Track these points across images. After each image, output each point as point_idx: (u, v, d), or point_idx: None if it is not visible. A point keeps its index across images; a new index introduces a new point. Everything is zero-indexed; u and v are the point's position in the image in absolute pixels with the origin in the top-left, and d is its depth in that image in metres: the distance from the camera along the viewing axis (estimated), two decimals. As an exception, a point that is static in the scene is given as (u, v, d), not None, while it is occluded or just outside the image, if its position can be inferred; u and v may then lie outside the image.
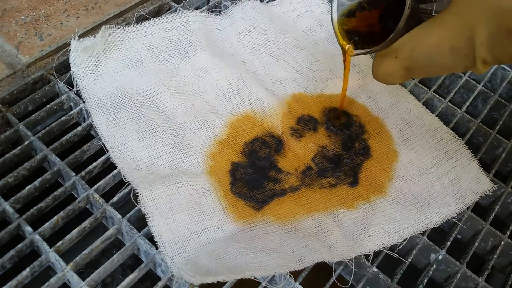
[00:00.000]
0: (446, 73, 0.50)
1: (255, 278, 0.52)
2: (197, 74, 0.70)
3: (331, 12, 0.58)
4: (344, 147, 0.65)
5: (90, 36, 0.68)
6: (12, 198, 0.56)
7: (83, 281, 0.51)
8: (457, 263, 0.58)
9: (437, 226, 0.59)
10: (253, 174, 0.61)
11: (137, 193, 0.56)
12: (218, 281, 0.50)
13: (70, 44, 0.66)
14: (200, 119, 0.65)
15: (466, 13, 0.43)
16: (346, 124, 0.67)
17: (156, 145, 0.61)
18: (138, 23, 0.72)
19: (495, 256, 0.60)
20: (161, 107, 0.65)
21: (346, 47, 0.57)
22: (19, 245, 0.53)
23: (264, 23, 0.75)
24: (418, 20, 0.49)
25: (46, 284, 0.50)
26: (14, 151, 0.60)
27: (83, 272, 0.52)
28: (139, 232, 0.55)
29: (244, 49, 0.74)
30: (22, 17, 0.74)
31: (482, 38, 0.42)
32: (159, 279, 0.53)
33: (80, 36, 0.67)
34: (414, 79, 0.74)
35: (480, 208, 0.64)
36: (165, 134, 0.62)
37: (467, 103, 0.73)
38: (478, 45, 0.42)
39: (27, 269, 0.51)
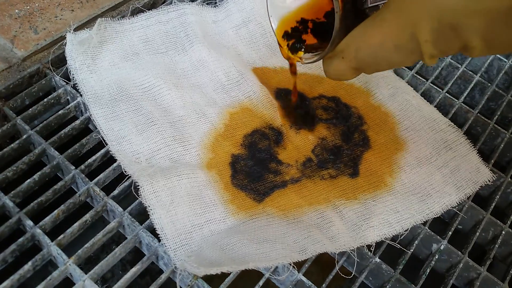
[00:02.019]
0: (396, 67, 0.51)
1: (258, 269, 0.52)
2: (194, 67, 0.69)
3: (270, 22, 0.58)
4: (343, 139, 0.65)
5: (86, 29, 0.67)
6: (12, 192, 0.55)
7: (86, 274, 0.51)
8: (459, 253, 0.58)
9: (438, 216, 0.59)
10: (254, 166, 0.61)
11: (138, 186, 0.56)
12: (221, 273, 0.49)
13: (65, 37, 0.66)
14: (199, 112, 0.64)
15: (406, 10, 0.42)
16: (345, 116, 0.67)
17: (155, 138, 0.61)
18: (133, 16, 0.71)
19: (496, 246, 0.60)
20: (159, 100, 0.65)
21: (296, 60, 0.58)
22: (20, 239, 0.52)
23: (261, 15, 0.75)
24: (357, 18, 0.48)
25: (48, 278, 0.50)
26: (12, 145, 0.59)
27: (82, 268, 0.52)
28: (141, 225, 0.55)
29: (241, 42, 0.74)
30: (16, 10, 0.73)
31: (426, 35, 0.42)
32: (159, 274, 0.52)
33: (76, 30, 0.67)
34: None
35: (480, 199, 0.64)
36: (164, 127, 0.62)
37: (465, 94, 0.73)
38: (423, 42, 0.42)
39: (29, 263, 0.51)
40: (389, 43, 0.44)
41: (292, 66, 0.62)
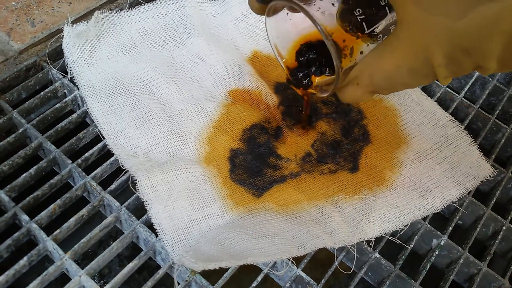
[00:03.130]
0: (413, 87, 0.50)
1: (257, 264, 0.52)
2: (193, 61, 0.69)
3: (276, 55, 0.57)
4: (343, 133, 0.64)
5: (83, 22, 0.66)
6: (8, 186, 0.54)
7: (82, 269, 0.50)
8: (460, 248, 0.58)
9: (438, 211, 0.59)
10: (252, 160, 0.60)
11: (135, 180, 0.55)
12: (220, 268, 0.49)
13: (63, 30, 0.65)
14: (197, 106, 0.64)
15: (417, 37, 0.42)
16: (345, 110, 0.66)
17: (153, 132, 0.60)
18: (131, 9, 0.70)
19: (497, 242, 0.60)
20: (157, 93, 0.64)
21: (310, 92, 0.57)
22: (16, 234, 0.51)
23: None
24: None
25: (44, 273, 0.49)
26: (8, 139, 0.58)
27: (79, 263, 0.51)
28: (138, 220, 0.54)
29: (240, 35, 0.73)
30: (13, 3, 0.72)
31: (440, 59, 0.41)
32: (157, 269, 0.52)
33: (73, 22, 0.66)
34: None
35: (480, 194, 0.64)
36: (162, 121, 0.61)
37: (466, 89, 0.72)
38: (437, 66, 0.42)
39: (25, 258, 0.50)
40: (403, 68, 0.44)
41: (305, 101, 0.62)
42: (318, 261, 0.55)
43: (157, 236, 0.53)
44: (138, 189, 0.55)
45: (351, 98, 0.50)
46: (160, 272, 0.51)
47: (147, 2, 0.72)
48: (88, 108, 0.61)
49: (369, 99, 0.51)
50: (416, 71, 0.43)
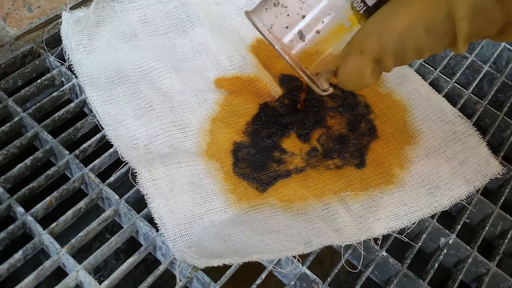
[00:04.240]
0: (424, 57, 0.42)
1: (261, 261, 0.50)
2: (195, 50, 0.67)
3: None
4: (349, 128, 0.62)
5: (82, 8, 0.64)
6: (2, 177, 0.52)
7: (80, 264, 0.48)
8: (468, 247, 0.57)
9: (446, 209, 0.57)
10: (256, 154, 0.58)
11: (136, 173, 0.53)
12: (223, 264, 0.47)
13: (61, 16, 0.63)
14: (199, 97, 0.62)
15: None
16: (351, 104, 0.64)
17: (154, 124, 0.58)
18: (132, -5, 0.68)
19: (506, 241, 0.58)
20: (158, 84, 0.62)
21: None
22: (11, 227, 0.50)
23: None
24: None
25: (40, 268, 0.47)
26: (3, 128, 0.56)
27: (75, 257, 0.49)
28: (138, 214, 0.52)
29: (244, 25, 0.71)
30: (9, -12, 0.70)
31: (464, 11, 0.37)
32: (154, 264, 0.50)
33: (72, 8, 0.64)
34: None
35: (488, 192, 0.63)
36: (164, 112, 0.59)
37: (474, 84, 0.71)
38: (459, 20, 0.37)
39: (20, 252, 0.48)
40: (419, 26, 0.39)
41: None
42: (317, 259, 0.54)
43: (157, 230, 0.51)
44: (138, 182, 0.53)
45: (352, 72, 0.44)
46: (161, 268, 0.50)
47: (148, -11, 0.70)
48: (86, 97, 0.59)
49: (372, 79, 0.44)
50: (434, 29, 0.39)
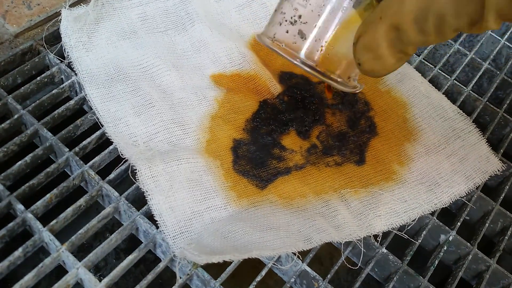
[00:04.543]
0: (446, 33, 0.38)
1: (261, 258, 0.51)
2: (195, 48, 0.67)
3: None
4: (349, 125, 0.62)
5: (82, 5, 0.64)
6: (2, 174, 0.52)
7: (80, 261, 0.48)
8: (468, 244, 0.57)
9: (446, 206, 0.57)
10: (256, 151, 0.58)
11: (135, 170, 0.53)
12: (223, 261, 0.47)
13: (60, 13, 0.63)
14: (199, 94, 0.62)
15: None
16: (351, 101, 0.64)
17: (153, 121, 0.58)
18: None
19: (506, 238, 0.58)
20: (158, 81, 0.62)
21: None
22: (11, 224, 0.49)
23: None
24: None
25: (40, 265, 0.47)
26: (2, 125, 0.56)
27: (75, 256, 0.49)
28: (138, 211, 0.52)
29: (243, 22, 0.71)
30: (9, -15, 0.70)
31: None
32: (154, 263, 0.50)
33: (71, 6, 0.64)
34: (419, 56, 0.71)
35: (487, 189, 0.62)
36: (163, 109, 0.59)
37: (473, 82, 0.71)
38: None
39: (20, 249, 0.48)
40: None
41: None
42: (317, 256, 0.53)
43: (157, 228, 0.51)
44: (138, 179, 0.53)
45: (369, 43, 0.41)
46: (161, 265, 0.50)
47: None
48: (86, 95, 0.59)
49: (393, 62, 0.42)
50: None
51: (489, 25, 0.36)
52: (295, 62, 0.48)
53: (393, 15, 0.39)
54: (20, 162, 0.54)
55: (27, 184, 0.52)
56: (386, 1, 0.40)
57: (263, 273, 0.51)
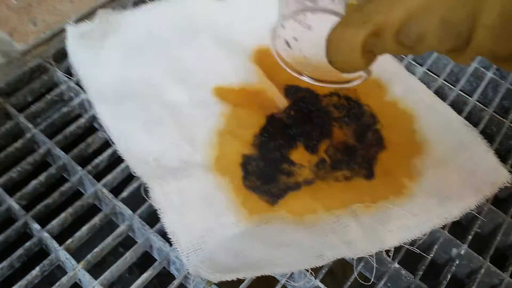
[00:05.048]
0: (420, 50, 0.39)
1: (274, 275, 0.51)
2: (200, 63, 0.67)
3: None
4: (357, 138, 0.63)
5: (86, 21, 0.64)
6: (18, 194, 0.53)
7: (96, 280, 0.49)
8: (480, 258, 0.57)
9: (457, 219, 0.57)
10: (266, 166, 0.59)
11: (148, 187, 0.53)
12: (237, 279, 0.48)
13: (65, 30, 0.63)
14: (207, 110, 0.62)
15: None
16: (357, 114, 0.65)
17: (163, 137, 0.58)
18: (135, 7, 0.69)
19: (519, 251, 0.59)
20: (165, 96, 0.63)
21: None
22: (28, 243, 0.50)
23: (269, 9, 0.72)
24: None
25: (57, 284, 0.48)
26: (15, 144, 0.57)
27: (89, 271, 0.50)
28: (152, 228, 0.53)
29: (248, 36, 0.71)
30: (14, 1, 0.70)
31: (489, 18, 0.34)
32: (166, 276, 0.51)
33: (76, 22, 0.64)
34: (422, 66, 0.72)
35: (497, 201, 0.62)
36: (172, 125, 0.60)
37: (478, 91, 0.71)
38: (481, 26, 0.34)
39: (37, 268, 0.49)
40: (436, 13, 0.36)
41: None
42: (330, 271, 0.54)
43: (171, 245, 0.51)
44: (150, 197, 0.53)
45: (346, 43, 0.40)
46: (175, 283, 0.50)
47: (152, 0, 0.70)
48: (95, 113, 0.59)
49: (363, 62, 0.41)
50: (450, 24, 0.35)
51: (464, 61, 0.38)
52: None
53: (377, 23, 0.38)
54: (34, 181, 0.54)
55: (42, 203, 0.53)
56: (372, 6, 0.39)
57: (277, 290, 0.51)
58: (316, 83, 0.54)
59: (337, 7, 0.51)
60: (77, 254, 0.51)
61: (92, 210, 0.55)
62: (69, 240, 0.51)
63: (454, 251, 0.57)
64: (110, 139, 0.58)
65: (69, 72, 0.63)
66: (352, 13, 0.40)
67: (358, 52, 0.40)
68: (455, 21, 0.36)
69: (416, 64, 0.72)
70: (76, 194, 0.55)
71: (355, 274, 0.53)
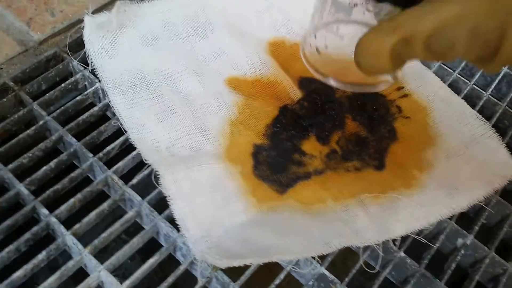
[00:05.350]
0: (448, 58, 0.39)
1: (281, 261, 0.52)
2: (216, 54, 0.68)
3: None
4: (369, 130, 0.63)
5: (104, 12, 0.65)
6: (27, 179, 0.54)
7: (101, 264, 0.49)
8: (486, 248, 0.57)
9: (464, 210, 0.57)
10: (277, 156, 0.59)
11: (158, 175, 0.54)
12: (244, 265, 0.48)
13: (83, 20, 0.64)
14: (220, 100, 0.63)
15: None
16: (371, 107, 0.65)
17: (176, 126, 0.59)
18: (152, -1, 0.69)
19: (525, 242, 0.58)
20: (180, 87, 0.63)
21: None
22: (35, 228, 0.51)
23: (283, 1, 0.73)
24: None
25: (63, 268, 0.49)
26: (28, 131, 0.58)
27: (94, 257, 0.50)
28: (160, 215, 0.53)
29: (263, 28, 0.72)
30: (31, -8, 0.71)
31: None
32: (168, 263, 0.51)
33: (94, 12, 0.65)
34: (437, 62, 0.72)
35: (505, 193, 0.62)
36: (185, 115, 0.60)
37: (492, 86, 0.71)
38: (510, 39, 0.34)
39: (43, 252, 0.49)
40: (466, 22, 0.36)
41: None
42: (335, 259, 0.54)
43: (178, 231, 0.52)
44: (160, 184, 0.54)
45: (375, 50, 0.40)
46: (181, 268, 0.51)
47: (168, -7, 0.71)
48: (110, 101, 0.60)
49: (390, 66, 0.41)
50: (479, 33, 0.36)
51: (492, 69, 0.38)
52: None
53: (408, 30, 0.38)
54: (44, 167, 0.55)
55: (51, 189, 0.53)
56: (404, 15, 0.39)
57: (282, 276, 0.51)
58: (342, 87, 0.54)
59: (369, 19, 0.51)
60: (82, 239, 0.51)
61: (100, 196, 0.55)
62: (77, 225, 0.51)
63: (460, 241, 0.57)
64: (123, 128, 0.59)
65: (84, 62, 0.64)
66: (385, 21, 0.40)
67: (386, 55, 0.40)
68: (485, 31, 0.36)
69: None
70: (86, 181, 0.56)
71: (361, 262, 0.53)
